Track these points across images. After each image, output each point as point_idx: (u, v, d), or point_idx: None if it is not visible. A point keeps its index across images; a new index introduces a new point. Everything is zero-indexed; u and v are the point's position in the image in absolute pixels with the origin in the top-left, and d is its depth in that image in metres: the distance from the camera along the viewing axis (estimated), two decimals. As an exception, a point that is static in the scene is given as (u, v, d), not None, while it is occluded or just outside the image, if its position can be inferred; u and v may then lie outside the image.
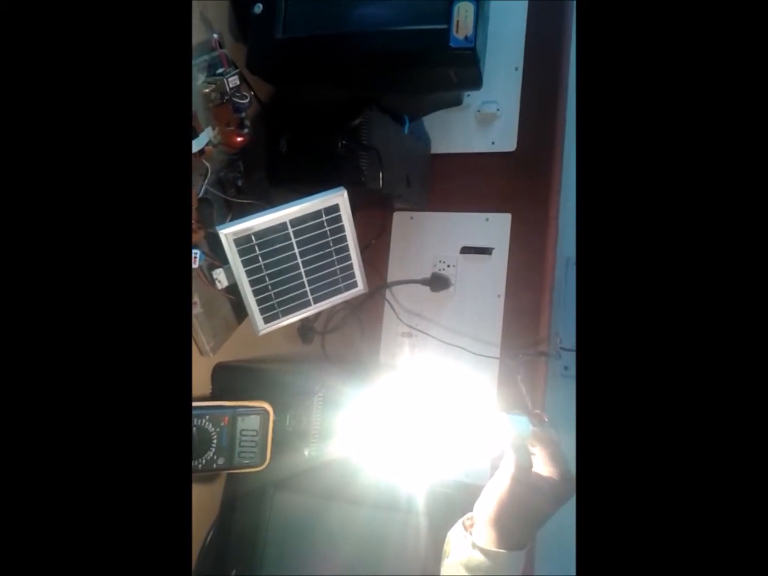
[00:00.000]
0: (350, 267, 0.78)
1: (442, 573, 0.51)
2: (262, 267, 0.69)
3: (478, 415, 0.50)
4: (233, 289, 0.70)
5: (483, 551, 0.47)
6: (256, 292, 0.70)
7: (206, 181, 0.68)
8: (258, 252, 0.68)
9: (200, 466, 0.60)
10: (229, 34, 0.74)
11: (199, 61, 0.66)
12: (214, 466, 0.61)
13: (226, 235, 0.66)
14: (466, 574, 0.47)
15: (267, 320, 0.72)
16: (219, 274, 0.69)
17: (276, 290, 0.71)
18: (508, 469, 0.48)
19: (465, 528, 0.50)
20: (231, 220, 0.71)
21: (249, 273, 0.69)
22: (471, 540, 0.48)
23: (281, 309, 0.73)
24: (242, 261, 0.68)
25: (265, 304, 0.71)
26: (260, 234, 0.68)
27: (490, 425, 0.49)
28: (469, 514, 0.51)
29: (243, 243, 0.67)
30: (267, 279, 0.70)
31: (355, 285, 0.80)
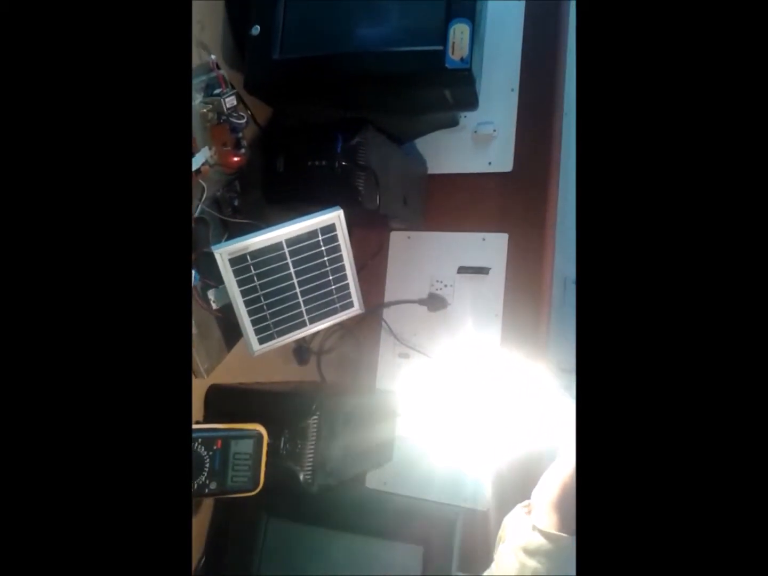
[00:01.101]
0: (346, 287, 0.77)
1: (496, 559, 0.50)
2: (258, 287, 0.69)
3: (542, 400, 0.50)
4: (228, 310, 0.69)
5: (544, 534, 0.46)
6: (251, 312, 0.69)
7: (202, 201, 0.68)
8: (253, 272, 0.68)
9: (192, 490, 0.58)
10: (227, 56, 0.74)
11: (196, 82, 0.67)
12: (206, 490, 0.59)
13: (221, 254, 0.65)
14: (525, 557, 0.46)
15: (262, 341, 0.71)
16: (213, 294, 0.68)
17: (271, 310, 0.71)
18: (574, 452, 0.47)
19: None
20: (227, 239, 0.70)
21: (244, 293, 0.68)
22: (531, 523, 0.47)
23: (276, 329, 0.72)
24: (237, 281, 0.67)
25: (260, 325, 0.70)
26: (255, 254, 0.67)
27: (555, 409, 0.49)
28: (526, 502, 0.51)
29: (238, 263, 0.66)
30: (262, 299, 0.69)
31: (351, 305, 0.79)
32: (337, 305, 0.77)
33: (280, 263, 0.70)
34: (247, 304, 0.68)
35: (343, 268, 0.76)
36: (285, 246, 0.69)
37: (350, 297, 0.79)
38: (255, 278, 0.68)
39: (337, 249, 0.74)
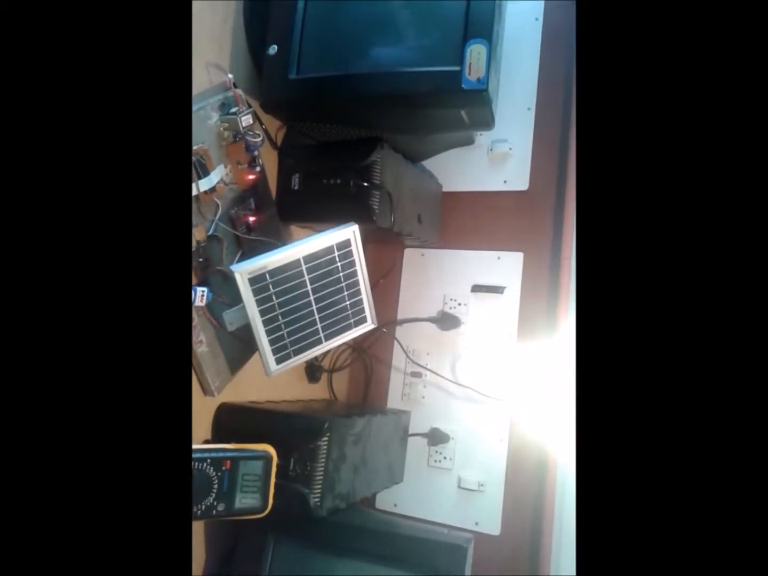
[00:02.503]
0: (360, 302, 0.77)
1: None
2: (276, 306, 0.67)
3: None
4: (243, 329, 0.68)
5: None
6: (269, 332, 0.67)
7: (216, 219, 0.68)
8: (272, 290, 0.66)
9: (199, 512, 0.57)
10: (244, 75, 0.74)
11: (213, 101, 0.67)
12: (214, 512, 0.58)
13: (241, 274, 0.63)
14: None
15: (279, 360, 0.69)
16: (230, 317, 0.66)
17: (289, 329, 0.69)
18: None
19: None
20: (241, 257, 0.70)
21: (263, 312, 0.66)
22: None
23: (293, 348, 0.70)
24: (256, 300, 0.65)
25: (278, 344, 0.69)
26: (274, 272, 0.66)
27: None
28: None
29: (258, 281, 0.65)
30: (280, 318, 0.68)
31: (364, 320, 0.79)
32: (351, 321, 0.77)
33: (298, 281, 0.69)
34: (265, 323, 0.67)
35: (357, 283, 0.75)
36: (303, 263, 0.69)
37: (364, 312, 0.78)
38: (273, 297, 0.67)
39: (352, 264, 0.74)
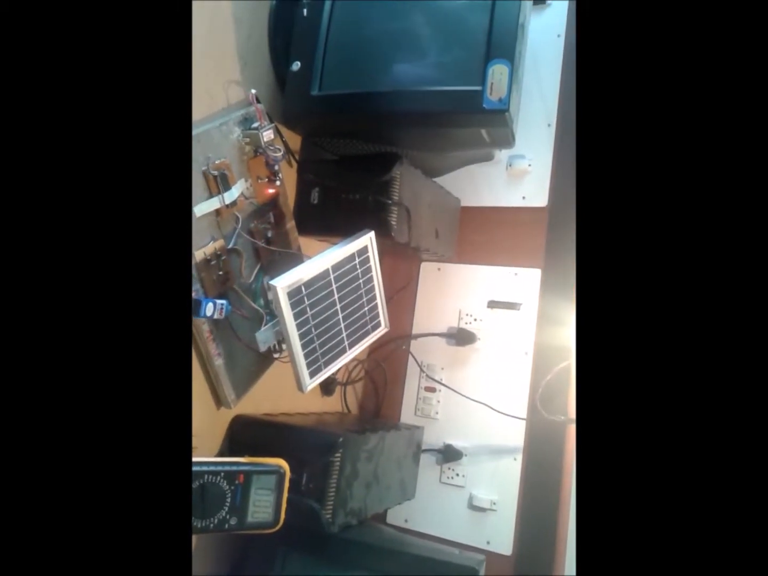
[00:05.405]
0: (375, 307, 0.78)
1: None
2: (309, 318, 0.67)
3: None
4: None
5: None
6: (303, 346, 0.67)
7: (237, 232, 0.68)
8: (306, 302, 0.66)
9: (212, 526, 0.58)
10: (266, 91, 0.75)
11: (235, 115, 0.68)
12: (226, 526, 0.58)
13: (281, 288, 0.62)
14: None
15: (312, 374, 0.69)
16: (262, 335, 0.66)
17: (320, 340, 0.69)
18: None
19: None
20: (259, 271, 0.71)
21: (299, 326, 0.66)
22: None
23: (324, 360, 0.70)
24: (294, 314, 0.64)
25: (311, 358, 0.68)
26: (308, 284, 0.66)
27: None
28: None
29: (294, 295, 0.64)
30: (313, 330, 0.68)
31: (379, 324, 0.80)
32: (369, 326, 0.78)
33: (327, 290, 0.69)
34: (301, 337, 0.66)
35: (373, 288, 0.77)
36: (331, 272, 0.69)
37: (378, 317, 0.79)
38: (308, 309, 0.67)
39: (369, 270, 0.75)
